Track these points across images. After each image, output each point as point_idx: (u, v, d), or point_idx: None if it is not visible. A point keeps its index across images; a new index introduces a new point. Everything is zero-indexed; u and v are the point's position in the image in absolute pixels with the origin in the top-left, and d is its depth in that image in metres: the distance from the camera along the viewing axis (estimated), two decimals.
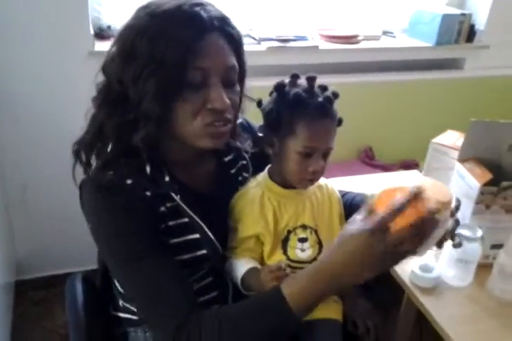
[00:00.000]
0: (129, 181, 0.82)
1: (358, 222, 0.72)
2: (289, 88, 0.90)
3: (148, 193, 0.83)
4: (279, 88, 0.91)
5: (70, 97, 1.68)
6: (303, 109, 0.87)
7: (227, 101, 0.81)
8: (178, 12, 0.78)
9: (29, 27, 1.59)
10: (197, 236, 0.88)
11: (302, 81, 0.91)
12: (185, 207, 0.86)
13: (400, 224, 0.67)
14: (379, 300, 1.10)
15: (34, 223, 1.87)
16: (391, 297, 1.19)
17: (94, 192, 0.83)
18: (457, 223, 0.85)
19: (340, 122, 0.92)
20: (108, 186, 0.82)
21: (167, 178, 0.86)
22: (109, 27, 1.77)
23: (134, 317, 0.97)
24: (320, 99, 0.88)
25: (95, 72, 0.85)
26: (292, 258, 0.94)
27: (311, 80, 0.90)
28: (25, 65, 1.64)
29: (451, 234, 0.84)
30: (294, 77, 0.91)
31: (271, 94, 0.94)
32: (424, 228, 0.68)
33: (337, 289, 0.76)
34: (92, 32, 1.68)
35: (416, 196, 0.69)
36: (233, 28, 0.84)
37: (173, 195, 0.85)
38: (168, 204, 0.85)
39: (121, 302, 0.99)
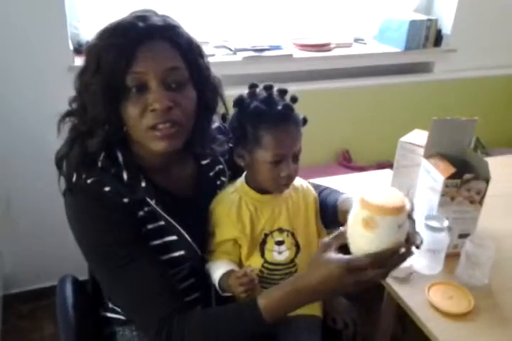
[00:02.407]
0: (107, 188, 0.86)
1: (335, 251, 0.81)
2: (248, 100, 0.92)
3: (125, 200, 0.87)
4: (238, 102, 0.92)
5: (50, 111, 1.70)
6: (264, 121, 0.89)
7: (167, 102, 0.84)
8: (117, 25, 0.85)
9: (9, 43, 1.62)
10: (174, 237, 0.92)
11: (261, 90, 0.92)
12: (160, 210, 0.90)
13: None
14: (361, 297, 1.13)
15: (20, 236, 1.88)
16: (373, 294, 1.23)
17: (75, 201, 0.87)
18: (414, 223, 0.86)
19: (305, 121, 0.94)
20: (87, 194, 0.86)
21: (143, 184, 0.89)
22: (87, 42, 1.81)
23: (122, 317, 1.00)
24: (279, 107, 0.89)
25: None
26: (269, 260, 0.97)
27: (268, 89, 0.92)
28: (6, 80, 1.66)
29: (413, 235, 0.84)
30: (253, 87, 0.93)
31: (234, 106, 0.94)
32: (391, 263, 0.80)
33: (305, 304, 0.86)
34: (71, 47, 1.72)
35: None
36: (178, 34, 0.88)
37: (148, 199, 0.89)
38: (146, 209, 0.90)
39: (110, 304, 1.02)
